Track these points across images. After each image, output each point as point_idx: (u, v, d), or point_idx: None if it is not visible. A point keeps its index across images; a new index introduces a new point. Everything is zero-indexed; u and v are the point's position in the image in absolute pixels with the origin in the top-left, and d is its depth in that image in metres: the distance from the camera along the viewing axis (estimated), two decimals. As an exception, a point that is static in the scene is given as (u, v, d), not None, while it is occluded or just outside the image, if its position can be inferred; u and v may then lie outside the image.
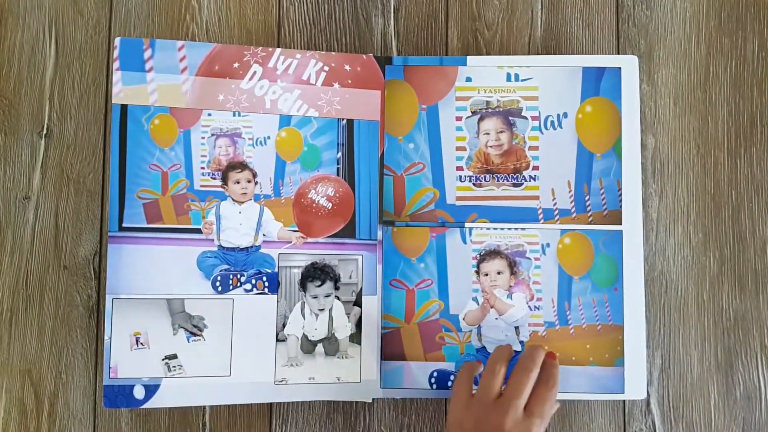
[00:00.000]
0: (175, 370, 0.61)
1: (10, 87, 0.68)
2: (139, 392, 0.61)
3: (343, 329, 0.63)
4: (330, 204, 0.64)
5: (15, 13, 0.69)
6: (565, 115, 0.65)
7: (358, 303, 0.63)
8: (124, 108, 0.63)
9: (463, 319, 0.64)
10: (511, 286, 0.64)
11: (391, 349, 0.63)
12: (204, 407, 0.65)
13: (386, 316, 0.63)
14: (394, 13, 0.69)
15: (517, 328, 0.64)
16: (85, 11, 0.69)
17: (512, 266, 0.64)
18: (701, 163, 0.66)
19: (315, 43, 0.69)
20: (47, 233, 0.67)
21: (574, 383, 0.63)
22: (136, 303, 0.61)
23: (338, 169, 0.64)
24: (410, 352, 0.63)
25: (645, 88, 0.67)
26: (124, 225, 0.62)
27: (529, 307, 0.64)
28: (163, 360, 0.61)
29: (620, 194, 0.64)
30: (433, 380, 0.63)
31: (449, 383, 0.63)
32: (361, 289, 0.63)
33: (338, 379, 0.62)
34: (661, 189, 0.66)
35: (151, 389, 0.61)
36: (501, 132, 0.65)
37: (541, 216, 0.65)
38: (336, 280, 0.63)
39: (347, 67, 0.64)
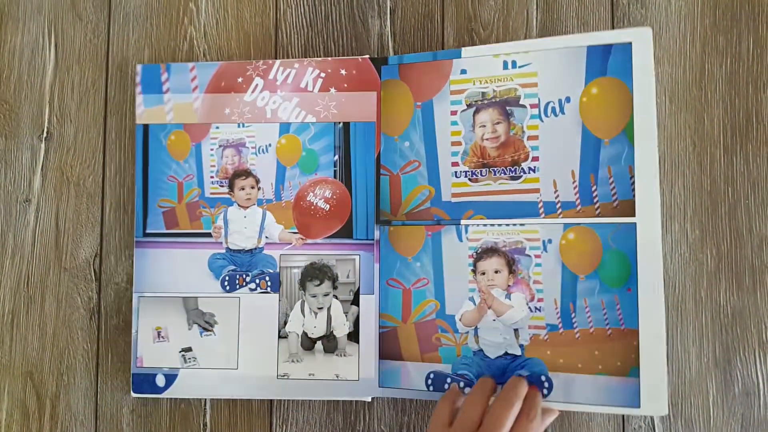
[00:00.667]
0: (190, 361, 0.65)
1: (11, 91, 0.68)
2: (160, 381, 0.64)
3: (341, 328, 0.64)
4: (327, 206, 0.65)
5: (15, 17, 0.69)
6: (568, 99, 0.60)
7: (356, 302, 0.64)
8: (146, 127, 0.67)
9: (460, 319, 0.62)
10: (509, 286, 0.61)
11: (388, 349, 0.63)
12: (205, 408, 0.66)
13: (384, 316, 0.63)
14: (390, 14, 0.69)
15: (516, 330, 0.60)
16: (84, 15, 0.70)
17: (510, 264, 0.61)
18: (697, 161, 0.66)
19: (312, 45, 0.69)
20: (48, 235, 0.67)
21: (580, 393, 0.58)
22: (157, 300, 0.65)
23: (335, 171, 0.65)
24: (407, 352, 0.63)
25: (641, 86, 0.67)
26: (147, 231, 0.66)
27: (529, 308, 0.60)
28: (180, 352, 0.65)
29: (633, 182, 0.58)
30: (429, 382, 0.62)
31: (445, 386, 0.61)
32: (359, 288, 0.64)
33: (337, 377, 0.63)
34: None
35: (170, 378, 0.64)
36: (497, 123, 0.62)
37: (541, 210, 0.60)
38: (334, 279, 0.64)
39: (343, 72, 0.65)
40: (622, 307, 0.57)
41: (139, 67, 0.67)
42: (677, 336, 0.65)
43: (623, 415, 0.64)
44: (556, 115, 0.60)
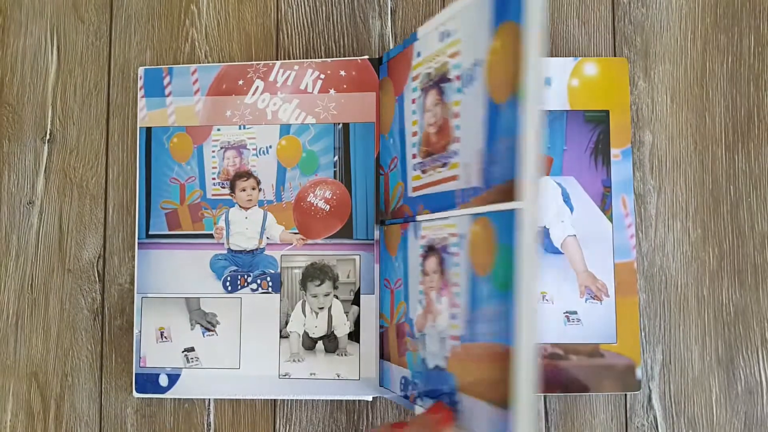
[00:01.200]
0: (192, 361, 0.65)
1: (14, 93, 0.69)
2: (163, 380, 0.65)
3: (342, 327, 0.64)
4: (328, 206, 0.65)
5: (17, 20, 0.70)
6: (479, 62, 0.47)
7: (356, 302, 0.64)
8: (148, 130, 0.67)
9: (415, 324, 0.55)
10: (441, 289, 0.51)
11: (384, 349, 0.63)
12: (209, 407, 0.66)
13: (382, 315, 0.63)
14: (391, 14, 0.69)
15: (443, 339, 0.50)
16: (86, 17, 0.70)
17: (441, 264, 0.51)
18: (699, 159, 0.66)
19: (313, 45, 0.69)
20: (51, 237, 0.68)
21: (478, 424, 0.45)
22: (160, 301, 0.66)
23: (335, 172, 0.66)
24: (392, 353, 0.61)
25: (642, 85, 0.67)
26: (150, 233, 0.67)
27: (449, 315, 0.49)
28: (182, 352, 0.65)
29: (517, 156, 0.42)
30: (401, 387, 0.58)
31: (407, 395, 0.57)
32: (359, 288, 0.64)
33: (338, 376, 0.63)
34: (660, 185, 0.66)
35: (173, 378, 0.65)
36: (436, 105, 0.53)
37: (459, 199, 0.49)
38: (334, 279, 0.64)
39: (342, 73, 0.66)
40: (506, 317, 0.42)
41: (141, 70, 0.67)
42: (680, 334, 0.64)
43: (626, 413, 0.64)
44: (471, 84, 0.48)
